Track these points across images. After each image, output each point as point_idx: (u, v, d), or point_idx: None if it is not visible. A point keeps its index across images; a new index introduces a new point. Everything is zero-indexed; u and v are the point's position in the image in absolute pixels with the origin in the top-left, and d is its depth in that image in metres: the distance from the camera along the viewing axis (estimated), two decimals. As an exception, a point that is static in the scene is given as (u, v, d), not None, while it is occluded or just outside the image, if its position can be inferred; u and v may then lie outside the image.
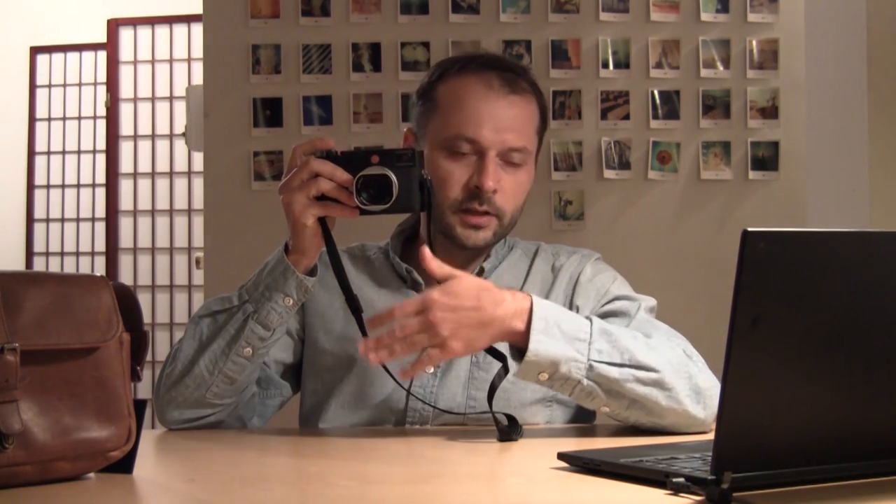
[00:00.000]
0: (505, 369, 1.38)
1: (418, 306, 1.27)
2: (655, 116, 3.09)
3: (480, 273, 1.55)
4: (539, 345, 1.29)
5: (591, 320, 1.35)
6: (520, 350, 1.31)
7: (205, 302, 1.51)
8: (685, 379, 1.34)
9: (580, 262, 1.59)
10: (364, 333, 1.40)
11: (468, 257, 1.56)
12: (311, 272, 1.42)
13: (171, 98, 5.04)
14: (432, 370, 1.50)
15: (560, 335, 1.31)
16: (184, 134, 3.64)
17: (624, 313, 1.50)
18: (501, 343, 1.35)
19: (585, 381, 1.31)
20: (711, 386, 1.36)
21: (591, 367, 1.31)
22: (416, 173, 1.37)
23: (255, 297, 1.41)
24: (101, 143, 5.13)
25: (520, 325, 1.30)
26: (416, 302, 1.28)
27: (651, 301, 1.54)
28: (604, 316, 1.48)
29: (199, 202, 4.77)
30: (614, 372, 1.31)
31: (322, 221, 1.37)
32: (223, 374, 1.42)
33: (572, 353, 1.30)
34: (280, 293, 1.40)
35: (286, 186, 1.36)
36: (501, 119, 1.48)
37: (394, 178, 1.35)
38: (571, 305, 1.54)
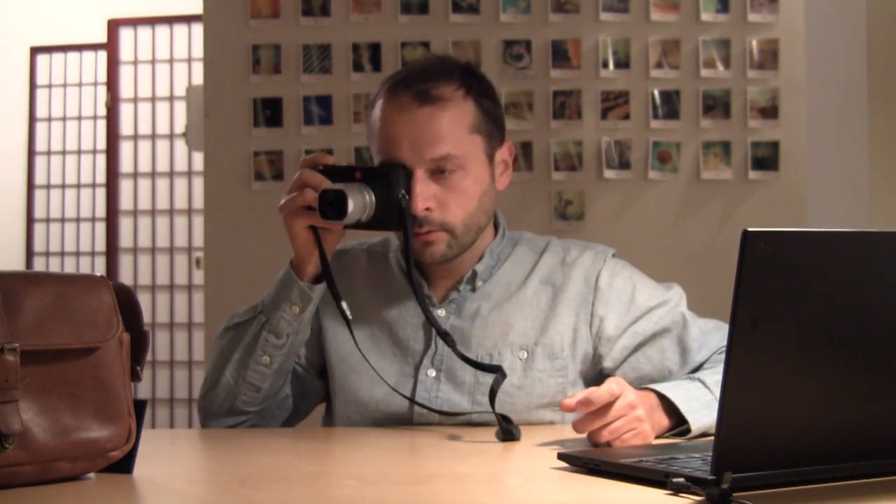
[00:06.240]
0: (502, 375, 1.41)
1: (609, 396, 1.26)
2: (655, 116, 3.09)
3: (473, 276, 1.53)
4: (695, 418, 1.34)
5: (699, 381, 1.40)
6: (680, 432, 1.35)
7: (231, 314, 1.54)
8: None
9: (594, 260, 1.55)
10: (355, 341, 1.45)
11: (452, 266, 1.53)
12: (318, 280, 1.46)
13: (171, 98, 5.03)
14: (434, 374, 1.50)
15: (697, 404, 1.36)
16: (184, 134, 3.63)
17: (667, 330, 1.51)
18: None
19: None
20: None
21: None
22: (395, 192, 1.40)
23: (268, 307, 1.47)
24: (101, 143, 5.12)
25: (663, 419, 1.35)
26: (607, 393, 1.26)
27: (677, 293, 1.55)
28: (648, 340, 1.50)
29: (199, 202, 4.76)
30: None
31: (315, 231, 1.42)
32: (247, 383, 1.47)
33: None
34: (287, 302, 1.46)
35: (283, 197, 1.43)
36: (418, 135, 1.44)
37: (349, 194, 1.37)
38: (592, 311, 1.51)
